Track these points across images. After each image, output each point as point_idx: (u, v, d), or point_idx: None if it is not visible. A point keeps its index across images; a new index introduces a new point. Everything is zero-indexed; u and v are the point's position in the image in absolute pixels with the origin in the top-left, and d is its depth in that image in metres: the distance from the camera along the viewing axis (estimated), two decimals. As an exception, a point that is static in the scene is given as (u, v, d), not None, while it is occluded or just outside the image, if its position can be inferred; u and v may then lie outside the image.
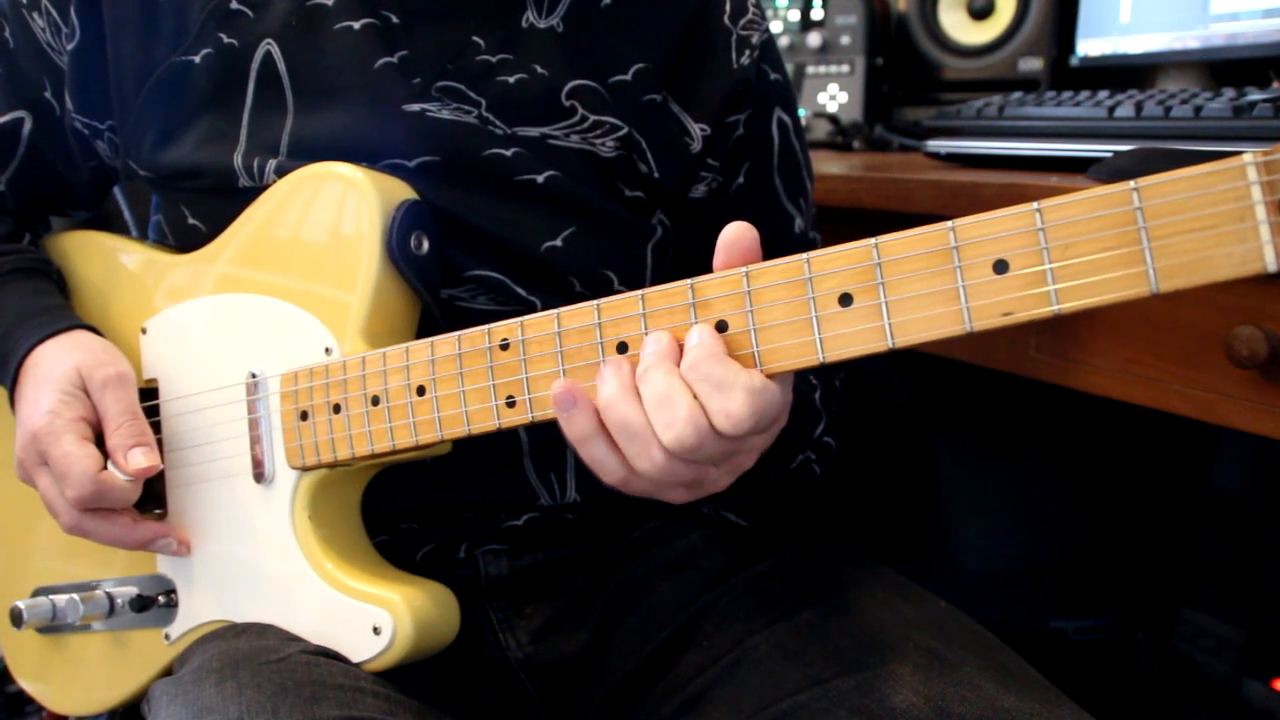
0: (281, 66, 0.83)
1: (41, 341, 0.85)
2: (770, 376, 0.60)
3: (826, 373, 0.89)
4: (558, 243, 0.83)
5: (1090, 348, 0.90)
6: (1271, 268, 0.48)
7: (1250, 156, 0.48)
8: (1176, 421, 0.87)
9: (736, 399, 0.58)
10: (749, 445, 0.63)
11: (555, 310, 0.66)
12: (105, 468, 0.80)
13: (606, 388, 0.62)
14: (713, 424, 0.59)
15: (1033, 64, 1.38)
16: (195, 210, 0.87)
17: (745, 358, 0.61)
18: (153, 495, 0.85)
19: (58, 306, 0.89)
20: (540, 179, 0.82)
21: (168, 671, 0.86)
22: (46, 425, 0.80)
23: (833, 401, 0.89)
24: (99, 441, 0.81)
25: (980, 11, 1.45)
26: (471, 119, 0.82)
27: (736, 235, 0.61)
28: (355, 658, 0.76)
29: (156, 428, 0.86)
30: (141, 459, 0.80)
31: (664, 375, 0.60)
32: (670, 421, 0.59)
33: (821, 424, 0.85)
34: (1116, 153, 0.86)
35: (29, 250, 0.94)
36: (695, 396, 0.59)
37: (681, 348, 0.61)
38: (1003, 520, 1.68)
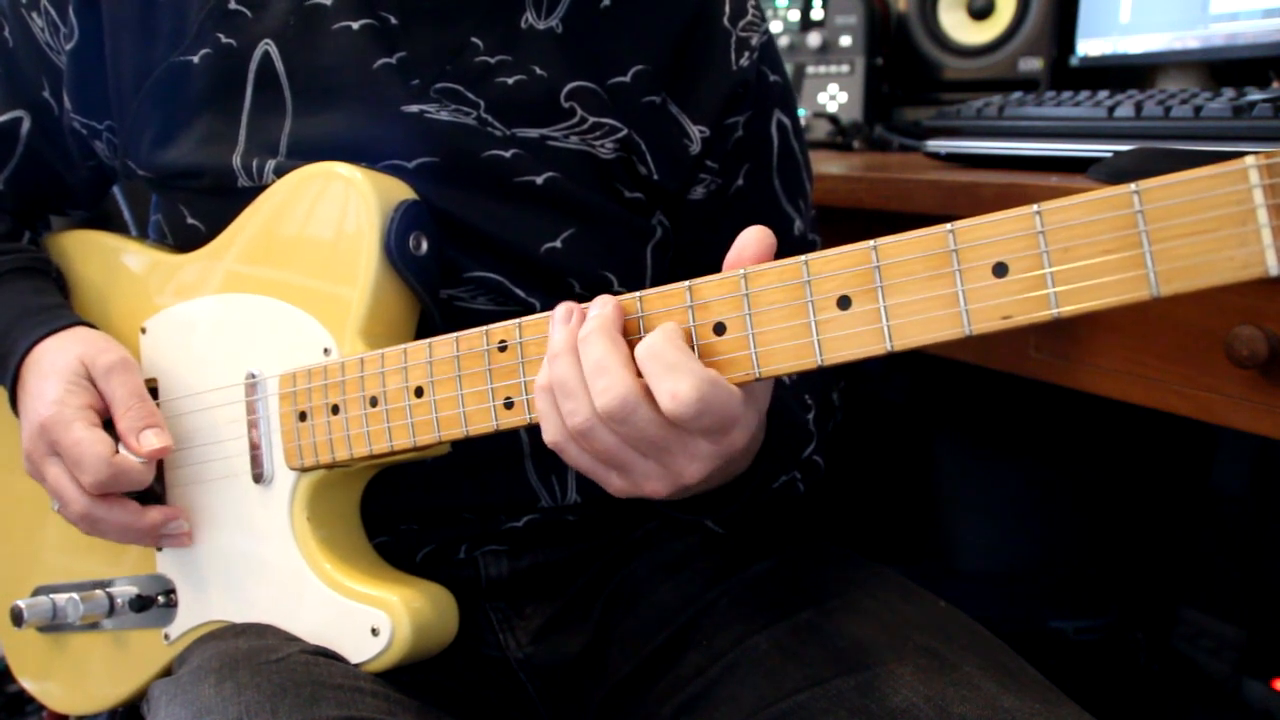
0: (280, 67, 0.83)
1: (41, 339, 0.85)
2: (763, 380, 0.61)
3: (824, 387, 0.89)
4: (557, 244, 0.83)
5: (1090, 347, 0.90)
6: (1273, 272, 0.47)
7: (1253, 159, 0.47)
8: (1176, 421, 0.87)
9: (685, 382, 0.59)
10: (694, 449, 0.62)
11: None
12: (117, 452, 0.80)
13: (555, 338, 0.64)
14: (655, 402, 0.60)
15: (1033, 64, 1.38)
16: (194, 210, 0.87)
17: (743, 359, 0.61)
18: (152, 495, 0.85)
19: (57, 305, 0.89)
20: (539, 180, 0.82)
21: (167, 671, 0.86)
22: (55, 414, 0.80)
23: (829, 419, 0.89)
24: (107, 429, 0.82)
25: (980, 11, 1.45)
26: (470, 120, 0.82)
27: (755, 239, 0.61)
28: (354, 659, 0.76)
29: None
30: (155, 440, 0.80)
31: (604, 344, 0.61)
32: (606, 387, 0.60)
33: (812, 445, 0.85)
34: (1116, 153, 0.86)
35: (28, 249, 0.94)
36: (639, 374, 0.60)
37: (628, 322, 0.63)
38: (1003, 520, 1.68)
